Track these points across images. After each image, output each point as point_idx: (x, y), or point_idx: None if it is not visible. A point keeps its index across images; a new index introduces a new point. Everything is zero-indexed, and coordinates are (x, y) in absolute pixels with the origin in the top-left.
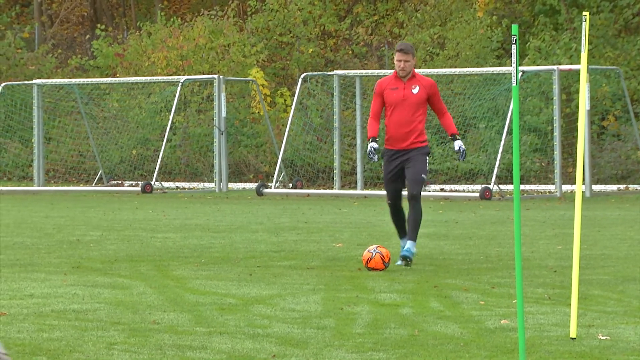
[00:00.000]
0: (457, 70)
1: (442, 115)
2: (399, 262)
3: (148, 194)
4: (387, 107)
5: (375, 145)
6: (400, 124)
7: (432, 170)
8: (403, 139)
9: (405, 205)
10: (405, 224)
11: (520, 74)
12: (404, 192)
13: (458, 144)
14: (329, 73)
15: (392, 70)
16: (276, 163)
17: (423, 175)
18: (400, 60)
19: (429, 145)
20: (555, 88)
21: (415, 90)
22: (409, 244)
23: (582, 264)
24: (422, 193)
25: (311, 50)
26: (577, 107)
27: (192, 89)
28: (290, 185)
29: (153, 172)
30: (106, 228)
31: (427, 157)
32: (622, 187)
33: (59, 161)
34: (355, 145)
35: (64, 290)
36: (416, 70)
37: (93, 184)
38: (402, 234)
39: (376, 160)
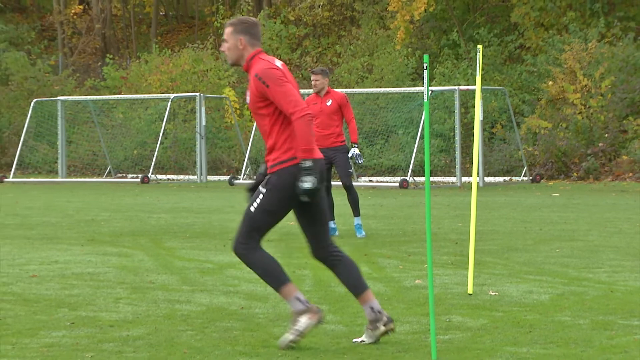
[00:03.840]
0: (382, 90)
1: (348, 123)
2: (359, 235)
3: (146, 184)
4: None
5: None
6: (321, 129)
7: (362, 166)
8: (325, 139)
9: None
10: (332, 208)
11: (429, 92)
12: (334, 183)
13: (353, 150)
14: None
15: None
16: (244, 160)
17: (350, 170)
18: (313, 80)
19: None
20: (456, 103)
21: (329, 103)
22: (357, 219)
23: (477, 237)
24: (355, 183)
25: None
26: (472, 118)
27: (179, 104)
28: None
29: (149, 167)
30: (114, 210)
31: (348, 154)
32: (507, 178)
33: (77, 159)
34: None
35: (81, 258)
36: (349, 90)
37: (104, 176)
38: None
39: None
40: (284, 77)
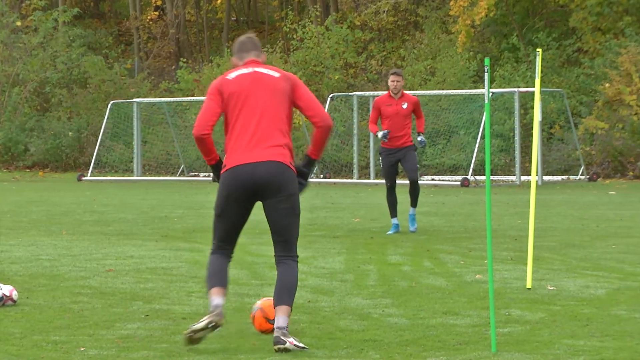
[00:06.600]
0: (444, 92)
1: (418, 119)
2: (412, 229)
3: (216, 183)
4: (383, 118)
5: (384, 131)
6: (395, 130)
7: (425, 165)
8: (397, 140)
9: (399, 190)
10: (396, 206)
11: (490, 94)
12: (398, 181)
13: (420, 137)
14: (350, 94)
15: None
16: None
17: (417, 165)
18: (394, 81)
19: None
20: (516, 105)
21: (405, 106)
22: (412, 210)
23: (536, 234)
24: (419, 182)
25: (337, 77)
26: (532, 118)
27: None
28: (322, 176)
29: None
30: (186, 207)
31: (416, 152)
32: (565, 177)
33: (152, 158)
34: (369, 147)
35: (155, 253)
36: (412, 92)
37: (177, 175)
38: (393, 213)
39: (387, 137)
40: (211, 94)
